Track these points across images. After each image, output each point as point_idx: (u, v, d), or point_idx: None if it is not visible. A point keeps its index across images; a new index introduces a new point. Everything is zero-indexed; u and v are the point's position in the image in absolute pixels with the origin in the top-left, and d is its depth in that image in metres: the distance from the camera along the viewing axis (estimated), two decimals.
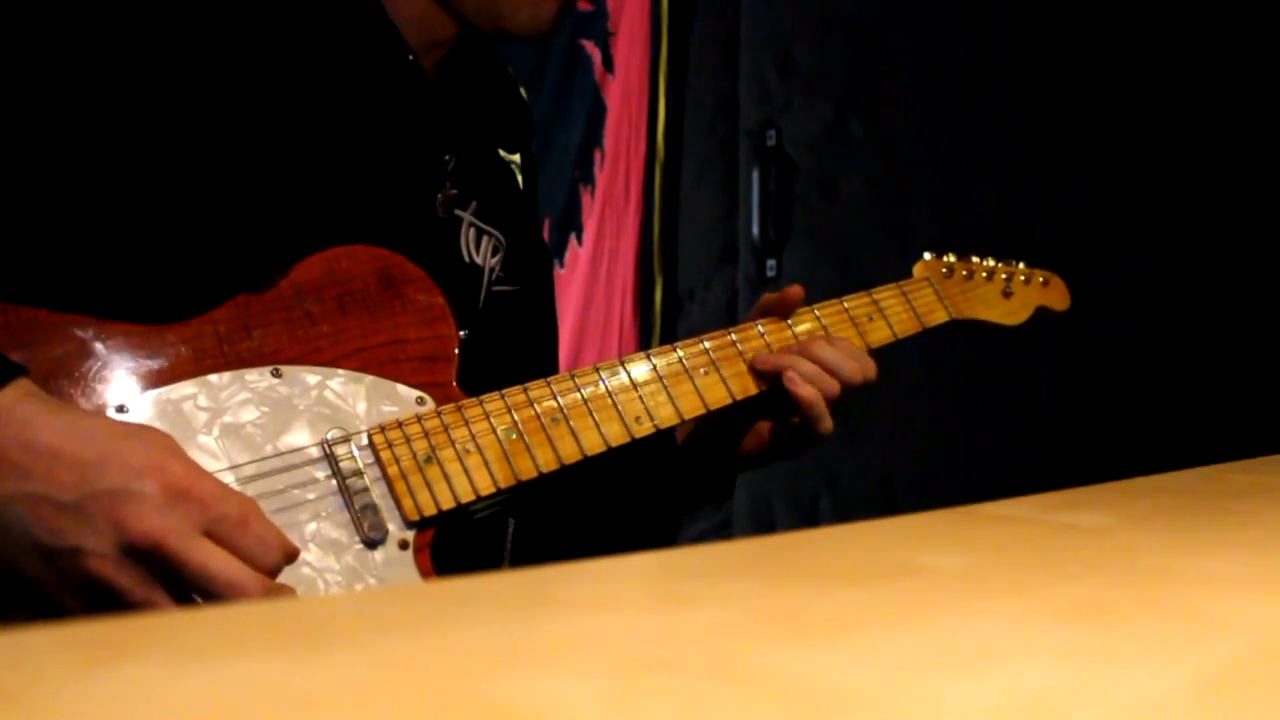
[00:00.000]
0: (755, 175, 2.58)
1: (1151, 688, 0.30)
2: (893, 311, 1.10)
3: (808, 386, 1.00)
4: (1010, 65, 2.19)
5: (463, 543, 0.92)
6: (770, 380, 1.02)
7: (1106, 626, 0.37)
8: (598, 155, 2.88)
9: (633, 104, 2.83)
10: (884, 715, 0.27)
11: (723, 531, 2.61)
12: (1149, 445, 1.94)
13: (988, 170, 2.21)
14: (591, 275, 2.87)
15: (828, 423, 1.02)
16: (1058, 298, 1.23)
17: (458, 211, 1.01)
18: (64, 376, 0.78)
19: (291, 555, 0.75)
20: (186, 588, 0.70)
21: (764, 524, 2.53)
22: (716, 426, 1.08)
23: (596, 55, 2.89)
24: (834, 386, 1.02)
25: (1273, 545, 0.56)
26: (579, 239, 2.90)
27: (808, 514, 2.48)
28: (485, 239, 1.04)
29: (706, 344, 1.01)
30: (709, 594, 0.41)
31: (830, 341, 1.04)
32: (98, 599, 0.69)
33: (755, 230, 2.57)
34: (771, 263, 2.55)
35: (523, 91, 1.13)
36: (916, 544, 0.53)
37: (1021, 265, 1.21)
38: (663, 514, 1.16)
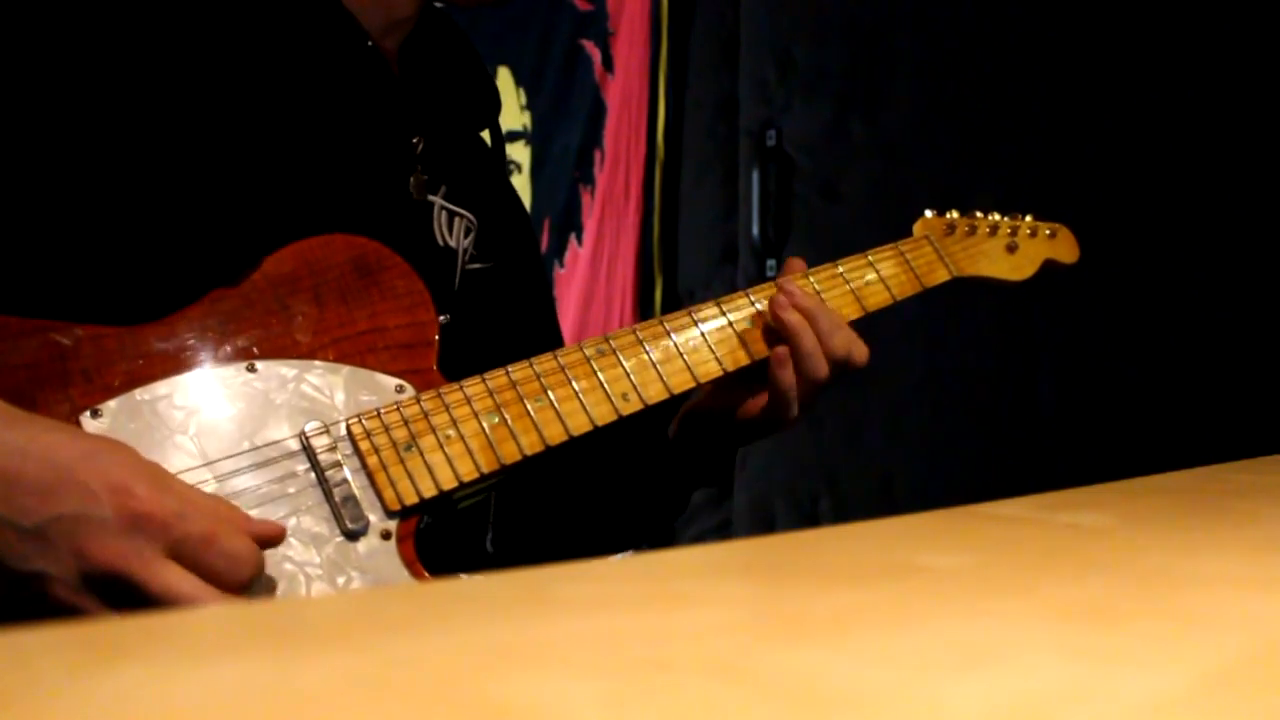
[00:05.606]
0: (755, 175, 2.58)
1: (1151, 688, 0.30)
2: (890, 273, 1.06)
3: (787, 371, 0.97)
4: (1010, 65, 2.19)
5: (445, 531, 0.91)
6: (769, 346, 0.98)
7: (1106, 626, 0.37)
8: (598, 155, 2.88)
9: (633, 104, 2.83)
10: (884, 715, 0.27)
11: (723, 531, 2.61)
12: (1149, 445, 1.94)
13: (988, 170, 2.21)
14: (591, 275, 2.87)
15: (794, 411, 0.98)
16: (1065, 250, 1.17)
17: (429, 196, 1.00)
18: (36, 385, 0.77)
19: (262, 565, 0.74)
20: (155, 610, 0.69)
21: (764, 524, 2.52)
22: (709, 406, 1.04)
23: (596, 55, 2.89)
24: (822, 370, 0.98)
25: (1273, 545, 0.56)
26: (579, 239, 2.90)
27: (808, 514, 2.48)
28: (457, 220, 1.03)
29: (695, 316, 0.98)
30: (709, 594, 0.41)
31: (822, 318, 0.99)
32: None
33: (755, 230, 2.57)
34: (771, 263, 2.55)
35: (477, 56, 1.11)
36: (916, 544, 0.53)
37: (1029, 218, 1.16)
38: (655, 499, 1.11)
